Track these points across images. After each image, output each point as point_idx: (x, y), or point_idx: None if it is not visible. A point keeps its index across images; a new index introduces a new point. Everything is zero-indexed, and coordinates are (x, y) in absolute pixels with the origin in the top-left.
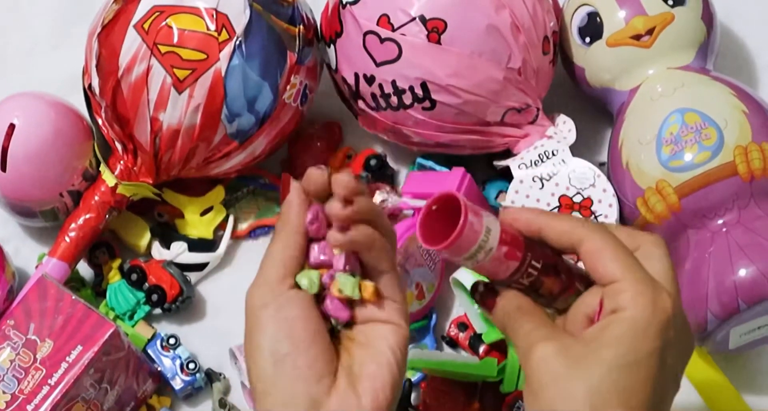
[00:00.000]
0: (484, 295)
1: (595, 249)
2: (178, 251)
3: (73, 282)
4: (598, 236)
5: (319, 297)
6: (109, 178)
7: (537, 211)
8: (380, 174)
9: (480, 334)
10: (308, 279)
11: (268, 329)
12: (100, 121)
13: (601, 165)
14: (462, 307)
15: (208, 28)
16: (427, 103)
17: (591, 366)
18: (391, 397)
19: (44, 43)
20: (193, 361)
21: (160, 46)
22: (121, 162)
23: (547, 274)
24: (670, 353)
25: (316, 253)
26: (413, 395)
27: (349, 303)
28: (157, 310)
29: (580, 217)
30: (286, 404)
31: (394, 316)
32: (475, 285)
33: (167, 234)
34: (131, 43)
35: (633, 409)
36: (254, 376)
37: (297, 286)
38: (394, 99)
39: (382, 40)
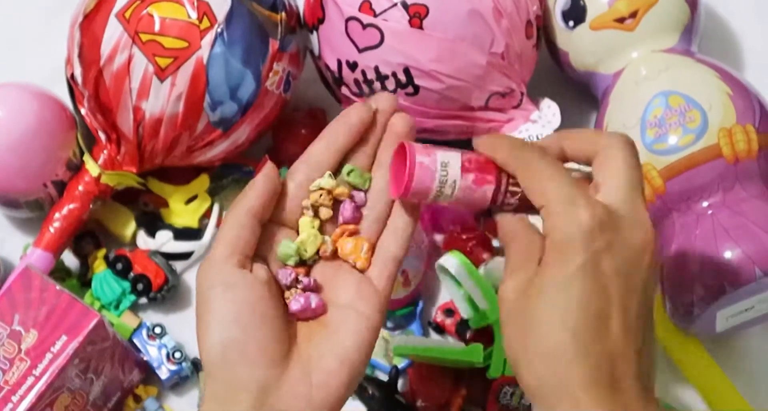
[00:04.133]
0: (488, 226)
1: (525, 178)
2: (164, 240)
3: (59, 272)
4: (525, 163)
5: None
6: (92, 167)
7: (491, 138)
8: None
9: (466, 320)
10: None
11: (216, 311)
12: (83, 111)
13: None
14: (448, 293)
15: (189, 16)
16: (410, 89)
17: (533, 296)
18: (344, 396)
19: (27, 33)
20: (179, 350)
21: (141, 35)
22: (105, 151)
23: None
24: (605, 261)
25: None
26: (400, 382)
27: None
28: (143, 300)
29: (521, 143)
30: (233, 389)
31: (368, 306)
32: (478, 215)
33: (152, 223)
34: (113, 32)
35: (575, 329)
36: (203, 358)
37: (243, 264)
38: (377, 85)
39: (364, 26)
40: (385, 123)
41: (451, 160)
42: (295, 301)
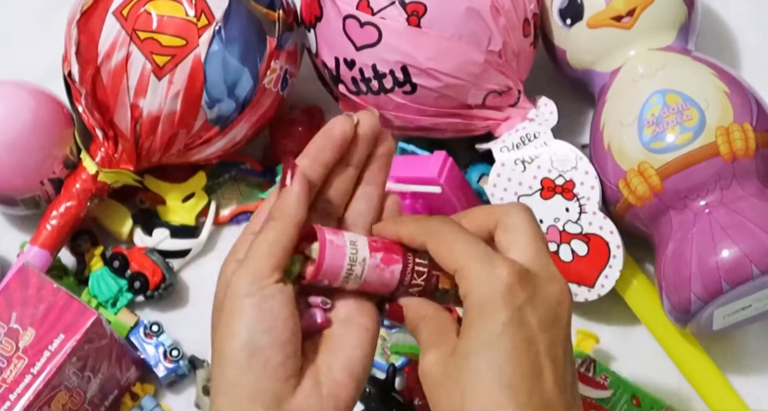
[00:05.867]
0: (392, 310)
1: (436, 245)
2: (161, 238)
3: (56, 270)
4: (435, 231)
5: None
6: (89, 165)
7: (393, 220)
8: None
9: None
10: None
11: (249, 319)
12: (80, 109)
13: (583, 147)
14: None
15: (187, 14)
16: (407, 87)
17: (460, 363)
18: (352, 404)
19: (24, 30)
20: (176, 348)
21: (139, 33)
22: (102, 149)
23: (438, 268)
24: (529, 314)
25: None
26: (397, 380)
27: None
28: (140, 298)
29: (426, 217)
30: (250, 398)
31: (367, 319)
32: (380, 304)
33: (149, 221)
34: (110, 29)
35: (511, 385)
36: (223, 363)
37: (283, 280)
38: (374, 83)
39: (361, 24)
40: (370, 139)
41: (359, 239)
42: (306, 318)
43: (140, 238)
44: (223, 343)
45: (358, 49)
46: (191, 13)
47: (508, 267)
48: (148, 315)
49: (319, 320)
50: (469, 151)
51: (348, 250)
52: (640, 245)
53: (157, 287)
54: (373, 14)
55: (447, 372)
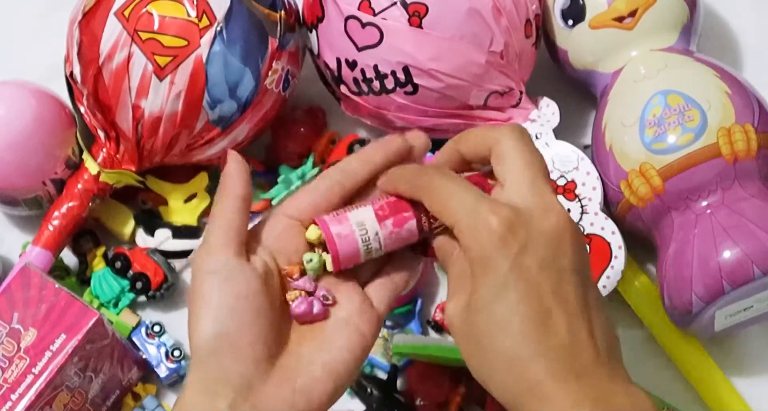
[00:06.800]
0: (431, 253)
1: (430, 203)
2: (163, 238)
3: (58, 270)
4: (426, 188)
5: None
6: (91, 165)
7: (388, 176)
8: None
9: None
10: (317, 259)
11: (212, 300)
12: (82, 109)
13: (585, 148)
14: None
15: (188, 15)
16: (409, 88)
17: (474, 318)
18: (326, 406)
19: (25, 30)
20: (178, 349)
21: (140, 33)
22: (104, 150)
23: None
24: (527, 260)
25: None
26: (399, 380)
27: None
28: (142, 298)
29: (413, 170)
30: (218, 381)
31: (366, 325)
32: (413, 245)
33: (151, 221)
34: (112, 30)
35: (520, 334)
36: (192, 345)
37: (241, 255)
38: (376, 84)
39: (363, 25)
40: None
41: (364, 216)
42: (299, 305)
43: (142, 239)
44: (192, 326)
45: (359, 49)
46: (193, 13)
47: (496, 216)
48: (149, 315)
49: (315, 311)
50: None
51: (357, 234)
52: (642, 246)
53: (159, 287)
54: (375, 15)
55: (465, 321)
